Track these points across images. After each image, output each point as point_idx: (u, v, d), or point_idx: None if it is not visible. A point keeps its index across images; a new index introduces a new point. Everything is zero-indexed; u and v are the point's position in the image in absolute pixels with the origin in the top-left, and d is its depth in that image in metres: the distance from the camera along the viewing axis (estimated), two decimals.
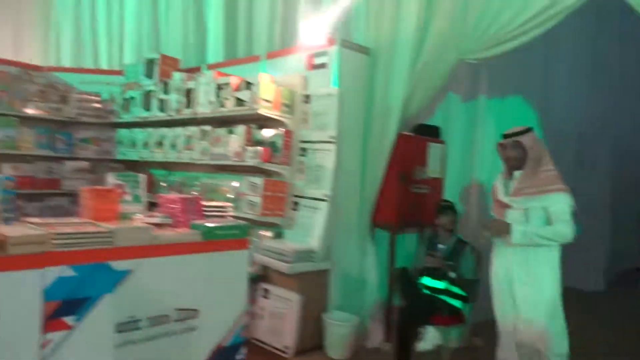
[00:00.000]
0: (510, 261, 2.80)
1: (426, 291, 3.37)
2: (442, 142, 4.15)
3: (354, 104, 3.81)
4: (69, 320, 2.19)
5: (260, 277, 3.80)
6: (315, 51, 3.86)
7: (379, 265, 3.93)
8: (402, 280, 3.48)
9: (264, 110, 3.83)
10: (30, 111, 5.47)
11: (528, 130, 2.79)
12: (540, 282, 2.71)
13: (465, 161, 4.24)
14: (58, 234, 2.15)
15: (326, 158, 3.72)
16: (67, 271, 2.16)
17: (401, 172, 3.83)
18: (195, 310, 2.64)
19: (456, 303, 3.26)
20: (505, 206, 2.80)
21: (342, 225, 3.79)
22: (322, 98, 3.78)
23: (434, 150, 4.06)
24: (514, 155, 2.79)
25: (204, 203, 2.96)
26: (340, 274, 3.80)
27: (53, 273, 2.12)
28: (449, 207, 3.49)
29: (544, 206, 2.68)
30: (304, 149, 3.89)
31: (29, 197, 5.23)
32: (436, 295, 3.30)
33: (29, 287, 2.05)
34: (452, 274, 3.28)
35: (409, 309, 3.26)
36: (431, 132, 4.06)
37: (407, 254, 3.99)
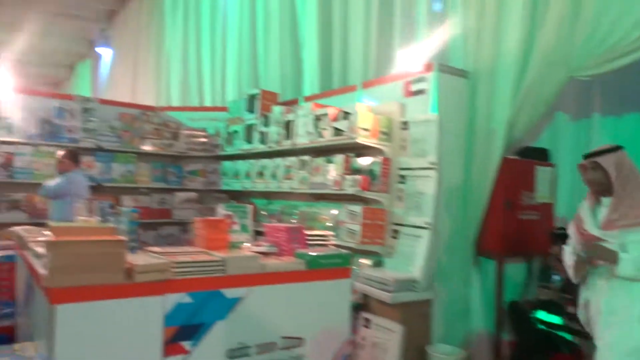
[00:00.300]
0: (601, 295, 2.41)
1: (541, 326, 3.12)
2: (551, 165, 3.90)
3: (454, 129, 3.70)
4: (186, 345, 2.29)
5: (361, 306, 3.75)
6: (413, 78, 3.82)
7: (484, 295, 3.73)
8: (514, 314, 3.25)
9: (362, 139, 3.84)
10: (146, 148, 5.97)
11: (614, 149, 2.44)
12: (630, 326, 2.28)
13: (577, 185, 3.92)
14: (177, 262, 2.27)
15: (426, 185, 3.63)
16: (185, 298, 2.28)
17: (507, 198, 3.63)
18: (300, 338, 2.65)
19: (576, 340, 2.97)
20: (596, 240, 2.42)
21: (444, 254, 3.66)
22: (420, 124, 3.72)
23: (542, 174, 3.82)
24: (593, 178, 2.46)
25: (307, 232, 3.00)
26: (444, 305, 3.65)
27: (173, 299, 2.24)
28: (563, 235, 3.23)
29: None
30: (402, 176, 3.83)
31: (145, 226, 5.65)
32: (553, 331, 3.04)
33: (152, 313, 2.17)
34: (571, 308, 3.01)
35: (523, 345, 3.03)
36: (539, 155, 3.83)
37: (515, 285, 3.75)
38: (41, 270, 2.13)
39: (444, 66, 3.71)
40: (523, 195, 3.70)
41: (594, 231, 2.43)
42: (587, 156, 2.51)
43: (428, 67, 3.72)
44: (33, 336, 2.58)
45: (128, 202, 5.72)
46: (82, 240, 2.04)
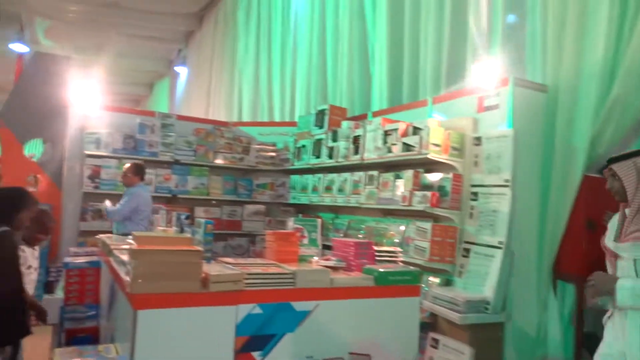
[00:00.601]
0: (621, 332, 2.15)
1: None
2: None
3: (530, 145, 3.55)
4: (256, 355, 2.32)
5: (428, 325, 3.65)
6: (486, 92, 3.72)
7: (562, 321, 3.51)
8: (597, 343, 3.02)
9: (433, 155, 3.78)
10: (219, 161, 6.20)
11: (634, 154, 2.23)
12: None
13: None
14: (249, 273, 2.33)
15: (501, 203, 3.49)
16: (255, 309, 2.32)
17: (589, 218, 3.42)
18: (367, 355, 2.62)
19: None
20: (614, 255, 2.22)
21: (519, 275, 3.48)
22: (494, 140, 3.60)
23: None
24: (612, 186, 2.28)
25: (375, 247, 2.97)
26: (517, 329, 3.47)
27: (244, 310, 2.29)
28: None
29: None
30: (475, 193, 3.72)
31: (216, 237, 5.79)
32: None
33: (225, 322, 2.23)
34: None
35: None
36: None
37: (596, 311, 3.49)
38: (125, 277, 2.25)
39: (521, 80, 3.58)
40: (607, 216, 3.46)
41: (610, 244, 2.26)
42: (607, 162, 2.32)
43: (503, 81, 3.60)
44: (115, 338, 2.72)
45: (200, 213, 5.95)
46: (163, 250, 2.13)
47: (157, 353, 2.07)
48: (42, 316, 2.96)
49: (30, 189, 5.52)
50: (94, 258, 3.77)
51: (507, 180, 3.48)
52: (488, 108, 3.72)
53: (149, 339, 2.06)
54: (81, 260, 3.72)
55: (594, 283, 2.24)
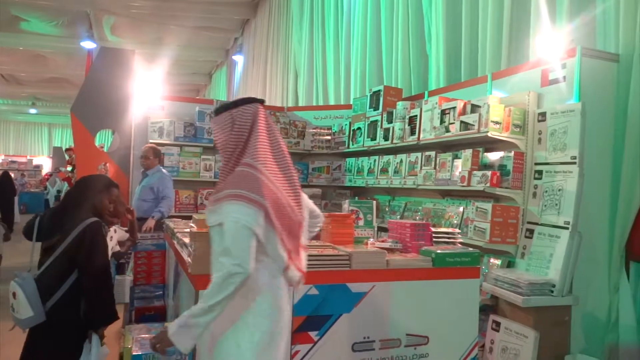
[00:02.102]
0: None
1: None
2: None
3: (600, 120, 3.33)
4: (313, 334, 2.34)
5: (489, 308, 3.57)
6: (551, 65, 3.51)
7: (636, 305, 3.30)
8: None
9: (494, 133, 3.65)
10: None
11: (231, 105, 1.94)
12: None
13: None
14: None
15: (567, 181, 3.31)
16: (312, 290, 2.33)
17: None
18: (425, 337, 2.58)
19: None
20: None
21: (587, 257, 3.31)
22: (560, 115, 3.41)
23: None
24: None
25: (433, 229, 2.91)
26: (585, 313, 3.32)
27: (301, 291, 2.30)
28: None
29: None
30: (538, 172, 3.56)
31: None
32: None
33: None
34: None
35: None
36: None
37: None
38: (187, 258, 2.31)
39: (590, 50, 3.35)
40: None
41: None
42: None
43: (570, 52, 3.38)
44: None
45: None
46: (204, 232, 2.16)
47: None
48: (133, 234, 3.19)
49: None
50: (160, 241, 3.92)
51: (574, 158, 3.29)
52: (553, 81, 3.52)
53: None
54: (148, 243, 3.89)
55: None
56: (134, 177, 5.80)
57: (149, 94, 6.03)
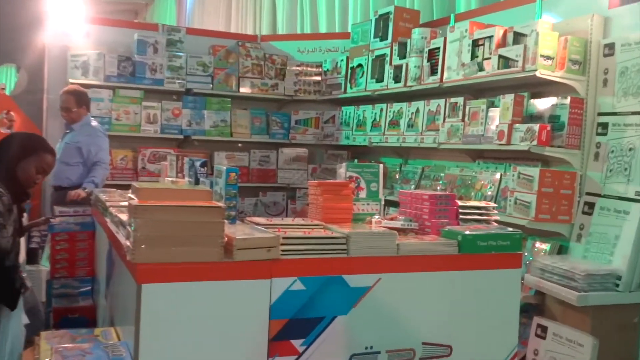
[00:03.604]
0: None
1: None
2: None
3: None
4: (297, 344, 2.36)
5: (533, 308, 3.66)
6: None
7: None
8: None
9: (543, 71, 3.67)
10: (244, 90, 6.22)
11: None
12: None
13: None
14: (287, 238, 2.34)
15: None
16: (296, 284, 2.33)
17: None
18: (447, 347, 2.63)
19: None
20: None
21: None
22: (634, 48, 3.43)
23: None
24: None
25: (459, 202, 2.94)
26: None
27: (280, 285, 2.31)
28: None
29: None
30: (603, 125, 3.61)
31: (243, 192, 5.94)
32: None
33: (255, 300, 2.27)
34: None
35: None
36: None
37: None
38: (125, 242, 2.32)
39: None
40: None
41: None
42: None
43: None
44: (115, 320, 2.85)
45: (221, 160, 6.05)
46: (173, 206, 2.16)
47: (168, 339, 2.14)
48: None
49: (2, 130, 5.78)
50: (87, 219, 3.92)
51: None
52: (626, 1, 3.54)
53: (157, 321, 2.12)
54: (71, 221, 3.88)
55: None
56: (48, 131, 5.72)
57: (68, 15, 5.90)
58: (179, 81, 5.98)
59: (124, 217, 2.59)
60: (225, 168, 2.72)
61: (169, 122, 5.99)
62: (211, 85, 6.11)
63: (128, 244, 2.19)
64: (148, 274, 2.11)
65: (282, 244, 2.31)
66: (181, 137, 6.05)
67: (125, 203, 2.78)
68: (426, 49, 4.71)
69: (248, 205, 6.22)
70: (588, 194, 3.66)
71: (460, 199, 3.76)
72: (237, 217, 2.76)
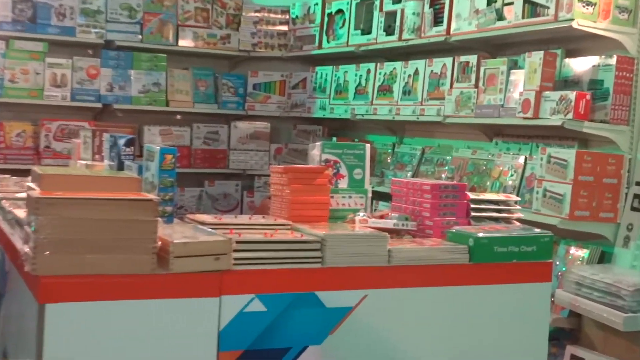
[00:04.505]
0: None
1: None
2: None
3: None
4: None
5: (566, 334, 3.71)
6: None
7: None
8: None
9: (582, 21, 3.69)
10: (185, 43, 6.16)
11: None
12: None
13: None
14: (242, 242, 2.34)
15: None
16: (254, 304, 2.34)
17: None
18: None
19: None
20: None
21: None
22: None
23: None
24: None
25: (471, 195, 2.95)
26: None
27: (233, 305, 2.31)
28: None
29: None
30: None
31: (184, 180, 5.91)
32: None
33: (199, 326, 2.26)
34: None
35: None
36: None
37: None
38: (23, 247, 2.29)
39: None
40: None
41: None
42: None
43: None
44: (8, 351, 2.81)
45: (153, 137, 6.00)
46: (88, 199, 2.14)
47: None
48: None
49: None
50: None
51: None
52: None
53: (65, 353, 2.11)
54: None
55: None
56: None
57: None
58: (96, 30, 5.91)
59: (21, 213, 2.56)
60: (159, 148, 2.70)
61: (83, 85, 5.91)
62: (140, 37, 6.05)
63: (27, 250, 2.17)
64: (54, 291, 2.09)
65: (236, 250, 2.31)
66: (99, 105, 5.99)
67: (24, 195, 2.75)
68: None
69: (190, 197, 6.17)
70: (639, 184, 3.71)
71: (473, 190, 3.74)
72: (175, 214, 2.74)
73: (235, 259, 2.31)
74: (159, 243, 2.22)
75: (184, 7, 6.19)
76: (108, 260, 2.14)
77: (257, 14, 6.37)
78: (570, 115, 3.70)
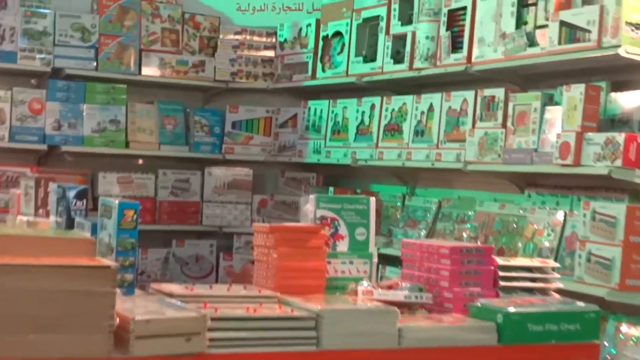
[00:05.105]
0: None
1: None
2: None
3: None
4: None
5: None
6: None
7: None
8: None
9: (630, 48, 3.72)
10: (149, 71, 6.19)
11: None
12: None
13: None
14: (218, 319, 2.34)
15: None
16: None
17: None
18: None
19: None
20: None
21: None
22: None
23: None
24: None
25: (499, 260, 2.96)
26: None
27: None
28: None
29: None
30: None
31: (148, 239, 5.87)
32: None
33: None
34: None
35: None
36: None
37: None
38: None
39: None
40: None
41: None
42: None
43: None
44: None
45: (112, 188, 6.00)
46: (31, 265, 2.13)
47: None
48: None
49: None
50: None
51: None
52: None
53: None
54: None
55: None
56: None
57: None
58: (41, 56, 5.95)
59: None
60: (117, 202, 2.71)
61: (24, 122, 5.92)
62: (95, 64, 6.09)
63: None
64: None
65: (211, 329, 2.30)
66: (44, 147, 6.01)
67: None
68: (445, 10, 4.77)
69: (154, 261, 6.15)
70: None
71: (501, 253, 3.74)
72: (137, 283, 2.74)
73: (211, 339, 2.30)
74: (117, 320, 2.21)
75: (148, 27, 6.23)
76: (55, 341, 2.13)
77: (237, 37, 6.42)
78: (618, 162, 3.71)
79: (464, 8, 4.66)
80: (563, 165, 3.95)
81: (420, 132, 4.94)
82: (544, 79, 4.43)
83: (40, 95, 6.00)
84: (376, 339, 2.51)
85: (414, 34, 4.97)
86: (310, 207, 3.02)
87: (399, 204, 5.24)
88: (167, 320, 2.26)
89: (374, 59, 5.35)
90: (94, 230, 2.81)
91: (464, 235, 4.54)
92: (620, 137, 3.72)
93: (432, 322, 2.66)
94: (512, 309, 2.68)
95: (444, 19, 4.79)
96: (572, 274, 3.79)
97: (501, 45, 4.35)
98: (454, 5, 4.74)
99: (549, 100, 4.17)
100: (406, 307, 2.74)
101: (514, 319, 2.66)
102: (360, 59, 5.46)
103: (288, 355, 2.41)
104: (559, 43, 4.02)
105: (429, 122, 4.89)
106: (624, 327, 3.84)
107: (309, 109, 6.09)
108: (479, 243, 3.64)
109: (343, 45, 5.67)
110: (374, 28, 5.38)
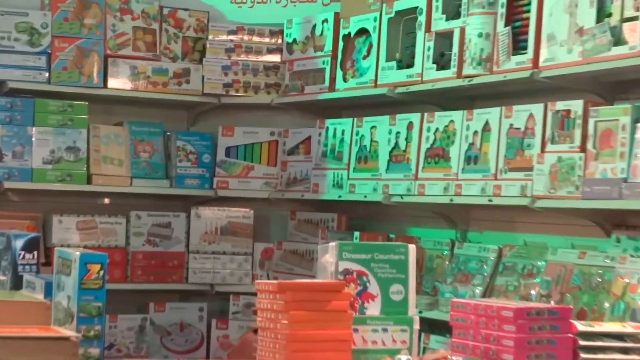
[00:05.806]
0: None
1: None
2: None
3: None
4: None
5: None
6: None
7: None
8: None
9: None
10: (118, 83, 6.23)
11: None
12: None
13: None
14: None
15: None
16: None
17: None
18: None
19: None
20: None
21: None
22: None
23: None
24: None
25: (580, 327, 2.96)
26: None
27: None
28: None
29: None
30: None
31: (115, 302, 5.89)
32: None
33: None
34: None
35: None
36: None
37: None
38: None
39: None
40: None
41: None
42: None
43: None
44: None
45: (70, 235, 6.01)
46: None
47: None
48: None
49: None
50: None
51: None
52: None
53: None
54: None
55: None
56: None
57: None
58: None
59: None
60: (78, 254, 2.72)
61: None
62: (47, 74, 6.13)
63: None
64: None
65: None
66: None
67: None
68: (503, 2, 4.79)
69: (125, 331, 6.15)
70: None
71: (582, 316, 3.74)
72: (105, 358, 2.75)
73: None
74: None
75: (115, 26, 6.28)
76: None
77: (231, 37, 6.46)
78: None
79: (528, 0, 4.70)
80: None
81: (472, 159, 4.94)
82: (634, 87, 4.42)
83: None
84: None
85: (462, 31, 4.99)
86: (330, 258, 3.03)
87: (446, 252, 5.24)
88: None
89: (410, 65, 5.37)
90: (48, 290, 2.82)
91: (533, 293, 4.52)
92: None
93: None
94: None
95: (502, 10, 4.80)
96: None
97: (578, 44, 4.34)
98: None
99: None
100: None
101: None
102: (393, 64, 5.48)
103: None
104: None
105: (484, 146, 4.89)
106: None
107: (327, 129, 6.10)
108: (552, 303, 3.62)
109: (370, 46, 5.68)
110: (410, 23, 5.40)
